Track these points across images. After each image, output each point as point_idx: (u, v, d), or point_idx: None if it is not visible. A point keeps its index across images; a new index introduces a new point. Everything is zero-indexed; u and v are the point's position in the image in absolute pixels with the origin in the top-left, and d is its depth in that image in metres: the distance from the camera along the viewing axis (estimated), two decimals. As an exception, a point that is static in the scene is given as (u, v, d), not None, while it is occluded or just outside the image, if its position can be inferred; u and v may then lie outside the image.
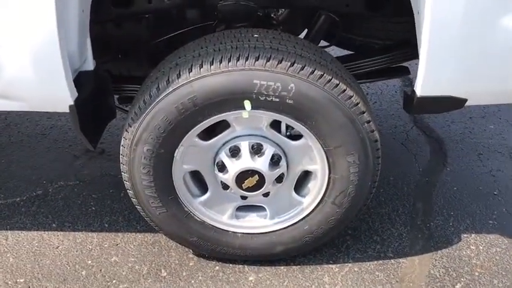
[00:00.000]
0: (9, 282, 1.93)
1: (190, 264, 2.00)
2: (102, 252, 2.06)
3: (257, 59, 1.58)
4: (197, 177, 1.86)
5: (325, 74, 1.60)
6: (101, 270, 1.98)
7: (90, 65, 1.73)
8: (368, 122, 1.67)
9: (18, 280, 1.94)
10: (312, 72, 1.59)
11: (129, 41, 2.10)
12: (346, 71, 1.77)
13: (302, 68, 1.59)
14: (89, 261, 2.02)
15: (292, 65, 1.58)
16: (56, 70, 1.52)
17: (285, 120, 1.68)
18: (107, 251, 2.06)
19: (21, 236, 2.14)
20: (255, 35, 1.69)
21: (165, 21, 2.08)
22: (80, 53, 1.67)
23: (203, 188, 1.87)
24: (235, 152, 1.73)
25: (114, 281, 1.93)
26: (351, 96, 1.63)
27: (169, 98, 1.61)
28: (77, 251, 2.07)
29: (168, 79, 1.62)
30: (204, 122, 1.66)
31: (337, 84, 1.62)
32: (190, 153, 1.75)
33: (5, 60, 1.53)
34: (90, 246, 2.09)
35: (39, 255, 2.05)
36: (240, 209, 1.90)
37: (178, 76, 1.61)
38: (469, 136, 2.79)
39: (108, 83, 1.90)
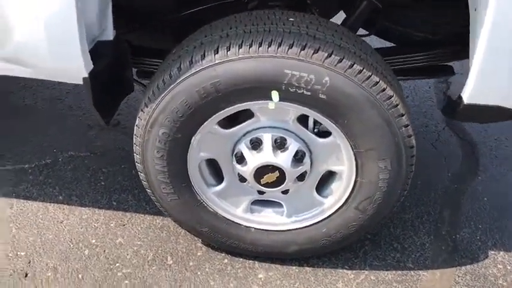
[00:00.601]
0: (10, 255, 1.85)
1: (198, 254, 1.90)
2: (107, 231, 1.97)
3: (291, 46, 1.42)
4: (213, 166, 1.74)
5: (364, 69, 1.45)
6: (104, 251, 1.89)
7: (109, 34, 1.60)
8: (406, 126, 1.52)
9: (19, 253, 1.86)
10: (351, 66, 1.43)
11: (153, 10, 1.95)
12: (387, 66, 1.61)
13: (340, 61, 1.43)
14: (93, 240, 1.93)
15: (330, 56, 1.43)
16: (70, 38, 1.39)
17: (314, 115, 1.53)
18: (112, 231, 1.97)
19: (26, 206, 2.07)
20: (291, 19, 1.53)
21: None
22: (100, 20, 1.54)
23: (219, 177, 1.75)
24: (256, 144, 1.59)
25: (117, 265, 1.84)
26: (391, 97, 1.48)
27: (190, 80, 1.48)
28: (81, 228, 1.98)
29: (192, 59, 1.48)
30: (226, 109, 1.53)
31: (377, 82, 1.46)
32: (208, 141, 1.62)
33: (15, 22, 1.40)
34: (95, 224, 2.00)
35: (43, 228, 1.97)
36: (255, 202, 1.79)
37: (203, 57, 1.47)
38: (504, 143, 2.61)
39: (127, 55, 1.78)
